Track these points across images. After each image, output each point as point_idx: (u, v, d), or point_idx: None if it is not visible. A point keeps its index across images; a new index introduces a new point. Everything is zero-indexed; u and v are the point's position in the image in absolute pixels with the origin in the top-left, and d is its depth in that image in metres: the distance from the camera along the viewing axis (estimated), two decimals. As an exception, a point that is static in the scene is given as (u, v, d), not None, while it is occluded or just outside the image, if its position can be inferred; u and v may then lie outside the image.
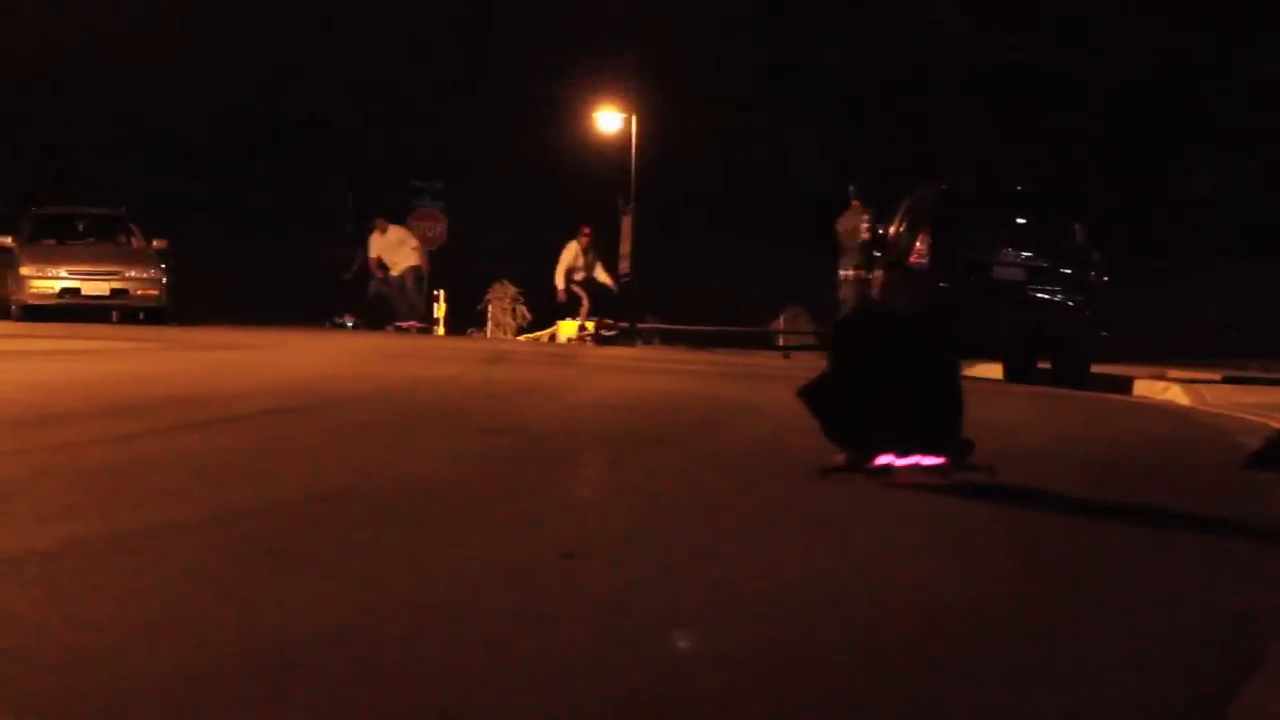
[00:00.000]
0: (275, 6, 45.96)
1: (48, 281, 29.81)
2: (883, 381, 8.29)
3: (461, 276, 36.57)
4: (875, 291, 8.46)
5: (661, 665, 4.62)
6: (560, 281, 33.49)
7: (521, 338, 35.86)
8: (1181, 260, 41.18)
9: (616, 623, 5.05)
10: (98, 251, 31.16)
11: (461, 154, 44.79)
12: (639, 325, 35.65)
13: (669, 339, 36.84)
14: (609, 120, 37.80)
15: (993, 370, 23.70)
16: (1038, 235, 22.39)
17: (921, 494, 7.98)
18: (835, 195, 26.12)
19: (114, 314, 30.58)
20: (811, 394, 8.54)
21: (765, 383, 17.98)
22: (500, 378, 16.50)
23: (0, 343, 20.12)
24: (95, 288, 29.93)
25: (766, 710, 4.20)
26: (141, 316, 30.51)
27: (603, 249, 34.39)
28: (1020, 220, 22.65)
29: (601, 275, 33.91)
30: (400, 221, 34.75)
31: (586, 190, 39.92)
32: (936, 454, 8.18)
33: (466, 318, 37.24)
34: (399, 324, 32.58)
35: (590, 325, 33.25)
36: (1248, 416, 15.64)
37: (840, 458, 8.27)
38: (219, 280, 39.17)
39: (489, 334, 36.59)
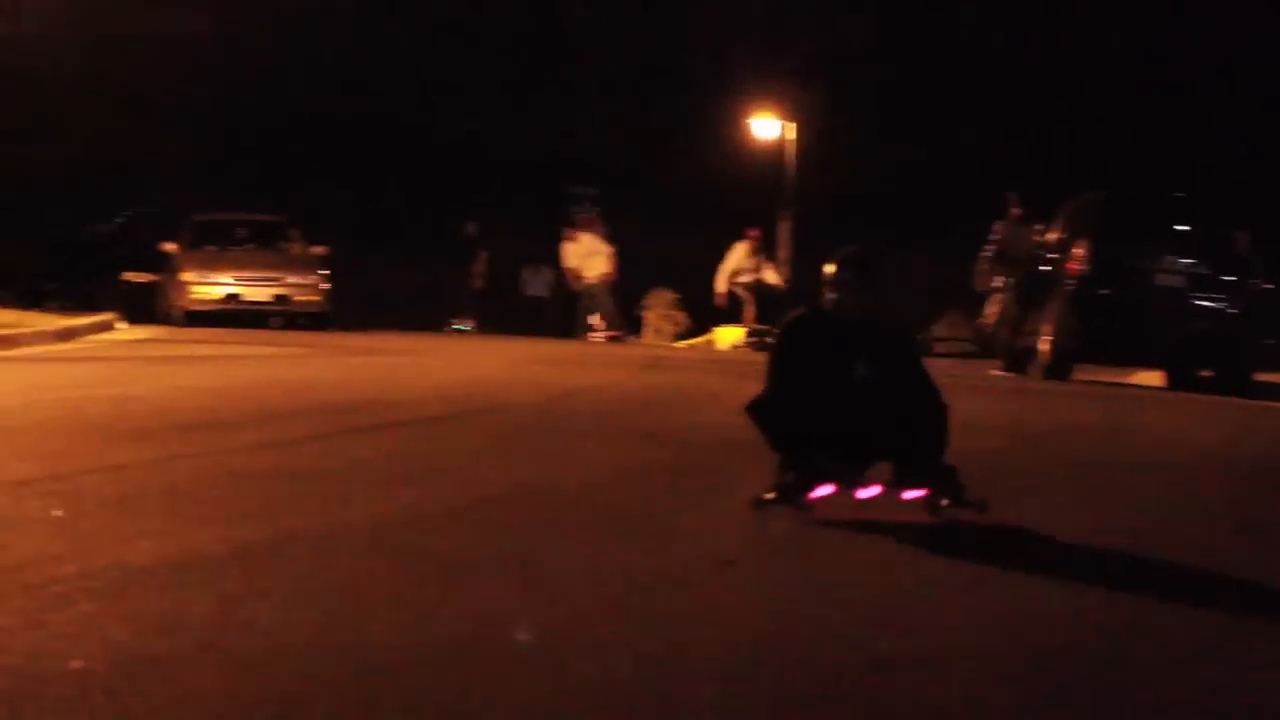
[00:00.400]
0: (427, 16, 46.22)
1: (209, 287, 29.99)
2: (832, 396, 7.13)
3: (619, 283, 36.59)
4: (827, 291, 6.45)
5: (817, 670, 4.60)
6: (721, 285, 32.58)
7: (679, 344, 35.80)
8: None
9: (777, 628, 5.04)
10: (259, 258, 31.32)
11: (616, 160, 44.83)
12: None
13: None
14: (764, 127, 37.69)
15: (1153, 378, 23.41)
16: (1199, 242, 22.15)
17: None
18: (994, 202, 25.91)
19: (275, 320, 30.76)
20: (759, 409, 7.41)
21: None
22: (658, 384, 16.49)
23: (163, 348, 20.37)
24: (256, 294, 30.09)
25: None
26: (302, 323, 30.69)
27: (774, 253, 33.88)
28: (1181, 227, 22.41)
29: (771, 276, 32.99)
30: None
31: (742, 197, 39.83)
32: (914, 484, 7.05)
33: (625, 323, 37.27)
34: (595, 332, 32.49)
35: (724, 332, 32.99)
36: None
37: (786, 482, 7.09)
38: (372, 288, 39.40)
39: (647, 340, 36.58)
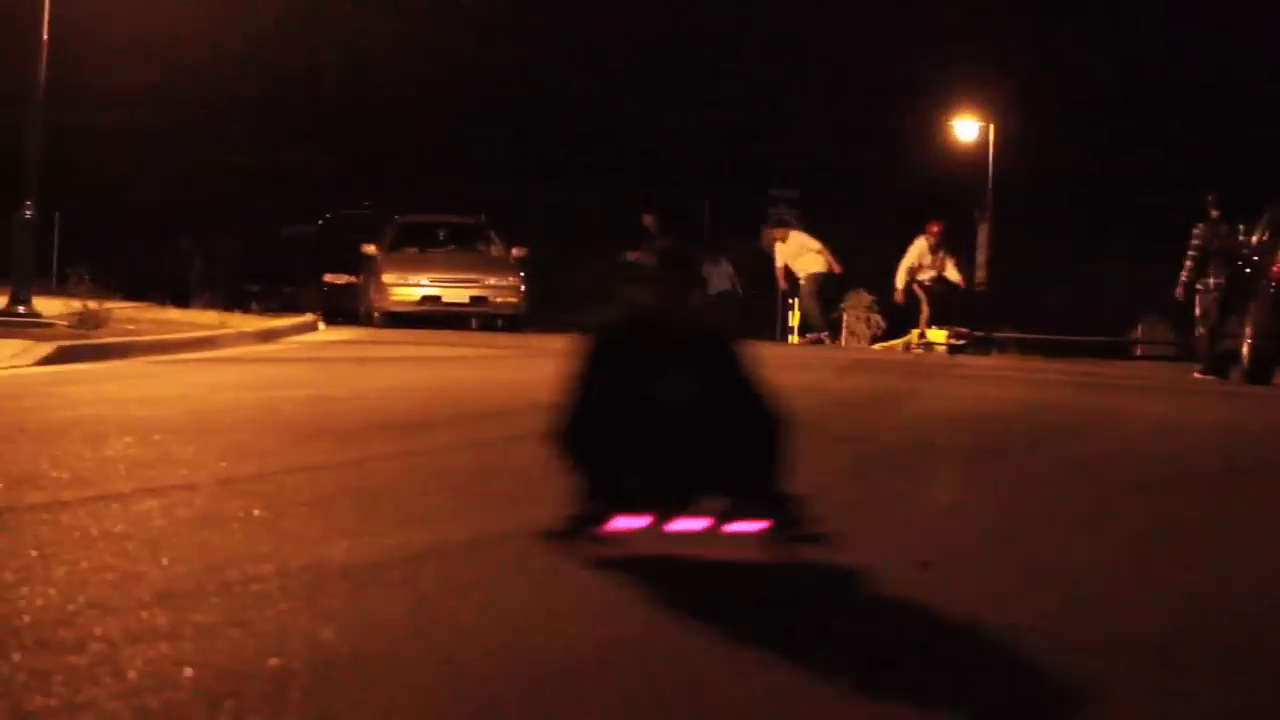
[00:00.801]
0: (635, 18, 46.40)
1: (409, 289, 30.29)
2: (645, 411, 5.89)
3: (826, 288, 36.50)
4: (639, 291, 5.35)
5: (1018, 675, 4.54)
6: (900, 281, 31.80)
7: (876, 346, 35.65)
8: None
9: (975, 632, 4.98)
10: (458, 259, 31.59)
11: (818, 163, 44.75)
12: (994, 334, 35.21)
13: (1025, 348, 36.34)
14: (966, 129, 37.46)
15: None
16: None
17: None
18: (1194, 204, 25.55)
19: (473, 321, 30.98)
20: (561, 431, 6.16)
21: (1121, 393, 17.68)
22: (856, 386, 16.43)
23: (363, 349, 20.60)
24: (455, 295, 30.34)
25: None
26: (500, 324, 30.90)
27: (957, 248, 32.71)
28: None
29: (952, 273, 32.04)
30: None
31: (942, 199, 39.59)
32: (747, 515, 5.87)
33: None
34: (807, 335, 32.35)
35: (933, 333, 32.51)
36: None
37: (581, 512, 5.94)
38: (567, 288, 39.57)
39: (843, 342, 36.42)
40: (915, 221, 32.97)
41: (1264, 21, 44.24)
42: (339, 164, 44.68)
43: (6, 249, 19.47)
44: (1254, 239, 22.03)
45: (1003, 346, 35.48)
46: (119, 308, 21.22)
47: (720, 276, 36.34)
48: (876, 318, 37.36)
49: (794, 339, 32.33)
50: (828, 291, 32.37)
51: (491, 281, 30.84)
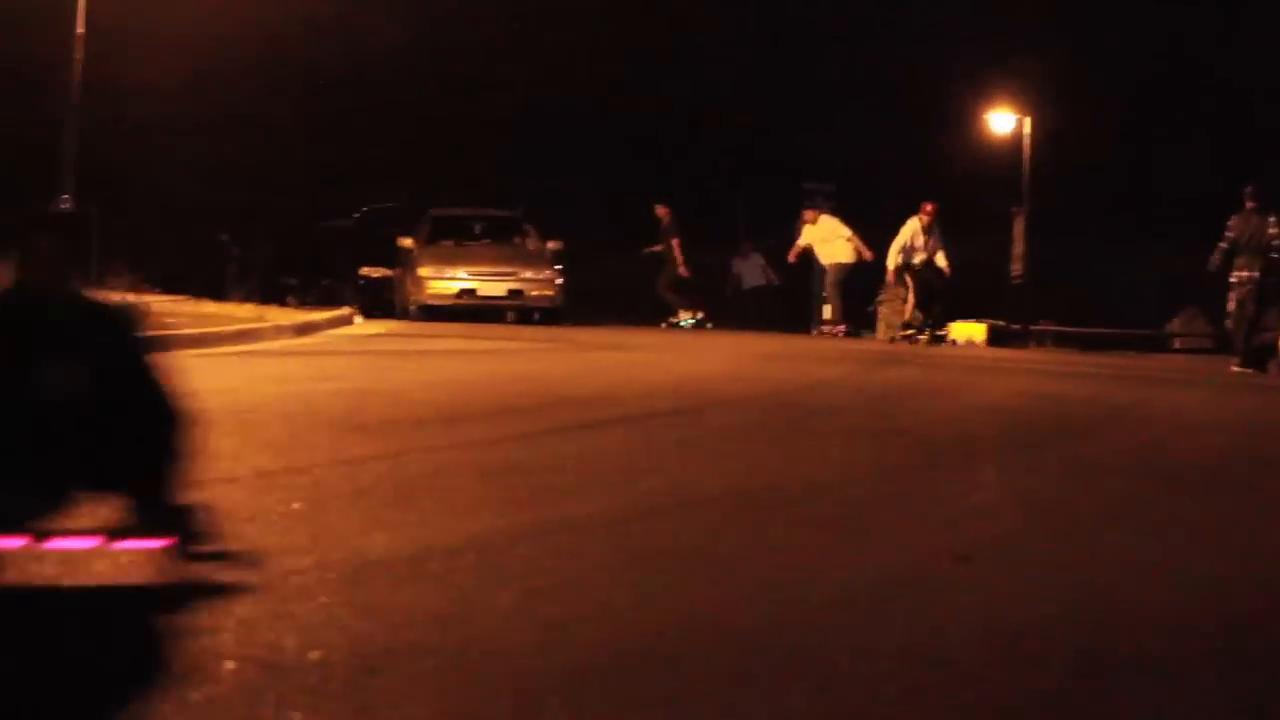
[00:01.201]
0: (671, 10, 46.40)
1: (445, 282, 30.28)
2: (12, 409, 4.73)
3: (851, 278, 36.47)
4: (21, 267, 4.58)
5: (1053, 673, 4.54)
6: (894, 260, 29.93)
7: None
8: None
9: (1012, 628, 4.98)
10: (495, 252, 31.60)
11: (852, 156, 44.69)
12: (1031, 327, 35.10)
13: (1061, 341, 36.25)
14: (1001, 121, 37.35)
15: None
16: None
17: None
18: (1230, 195, 25.47)
19: (509, 314, 31.00)
20: None
21: (1157, 386, 17.64)
22: (890, 379, 16.41)
23: (400, 343, 20.63)
24: (492, 288, 30.34)
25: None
26: (536, 317, 30.91)
27: (949, 233, 30.39)
28: None
29: (940, 260, 30.03)
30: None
31: (976, 191, 39.49)
32: (142, 530, 4.89)
33: (858, 319, 37.07)
34: (823, 327, 32.09)
35: (960, 327, 32.11)
36: None
37: None
38: (604, 281, 39.58)
39: (880, 335, 36.36)
40: (954, 214, 32.72)
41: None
42: (376, 157, 44.72)
43: (45, 243, 19.52)
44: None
45: (1039, 339, 35.40)
46: (157, 301, 21.29)
47: (753, 271, 36.24)
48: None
49: (824, 330, 32.11)
50: (853, 281, 31.70)
51: (528, 275, 30.84)
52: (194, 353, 16.32)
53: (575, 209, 41.00)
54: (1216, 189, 31.45)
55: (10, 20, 35.42)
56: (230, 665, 4.14)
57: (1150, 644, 4.87)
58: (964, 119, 40.21)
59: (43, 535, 4.78)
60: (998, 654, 4.67)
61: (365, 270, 35.97)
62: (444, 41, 45.61)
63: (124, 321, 5.14)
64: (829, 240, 31.05)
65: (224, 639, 4.38)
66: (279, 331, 20.07)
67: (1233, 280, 23.49)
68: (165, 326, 18.08)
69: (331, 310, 26.29)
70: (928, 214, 29.85)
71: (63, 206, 27.03)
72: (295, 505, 6.44)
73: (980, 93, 38.56)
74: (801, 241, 31.38)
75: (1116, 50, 45.61)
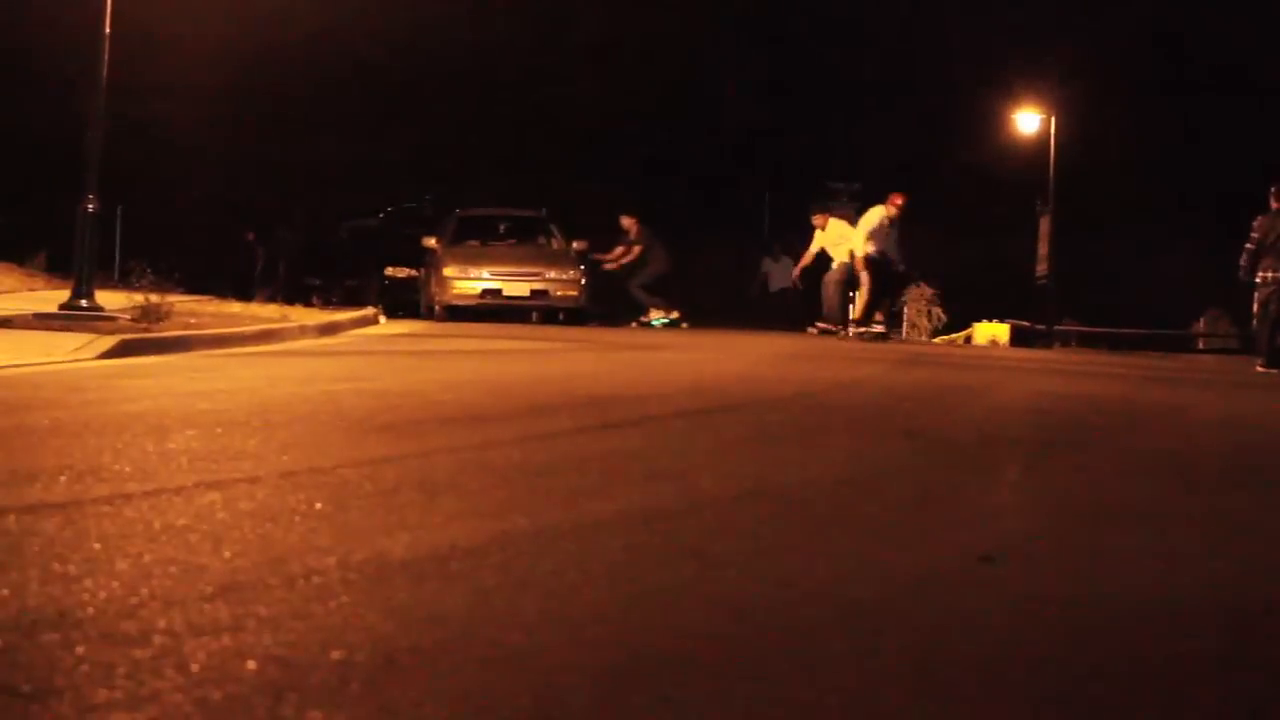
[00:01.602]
0: (699, 7, 46.40)
1: (470, 282, 30.28)
2: None
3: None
4: None
5: (1078, 672, 4.54)
6: (865, 249, 28.18)
7: (937, 340, 35.56)
8: None
9: (1036, 628, 4.98)
10: (519, 253, 31.59)
11: (877, 156, 44.67)
12: (1056, 327, 35.07)
13: (1087, 341, 36.22)
14: (1027, 121, 37.29)
15: None
16: None
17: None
18: (1257, 195, 25.42)
19: (534, 314, 31.02)
20: None
21: (1183, 387, 17.60)
22: (916, 380, 16.38)
23: (424, 343, 20.65)
24: (516, 288, 30.33)
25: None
26: (561, 317, 30.92)
27: (909, 231, 30.29)
28: None
29: (893, 254, 28.62)
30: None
31: (1003, 192, 39.49)
32: None
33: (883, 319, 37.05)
34: (818, 325, 31.89)
35: (984, 328, 31.87)
36: None
37: None
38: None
39: (904, 335, 36.33)
40: (980, 215, 32.63)
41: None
42: (400, 157, 44.78)
43: (70, 242, 19.58)
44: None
45: (1065, 340, 35.37)
46: (181, 301, 21.32)
47: (782, 274, 36.15)
48: (938, 311, 37.25)
49: (852, 330, 31.92)
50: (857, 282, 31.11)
51: (552, 275, 30.83)
52: (218, 353, 16.37)
53: (600, 209, 41.00)
54: (1242, 189, 31.38)
55: (34, 19, 35.55)
56: (252, 664, 4.15)
57: (1167, 644, 4.87)
58: (990, 119, 40.17)
59: None
60: (1020, 654, 4.67)
61: (390, 270, 36.01)
62: (468, 43, 45.65)
63: None
64: (839, 244, 30.59)
65: (246, 638, 4.39)
66: (303, 331, 20.09)
67: (1258, 281, 23.42)
68: (189, 326, 18.13)
69: (355, 310, 26.31)
70: (896, 206, 28.41)
71: None
72: (318, 505, 6.45)
73: (1007, 92, 38.52)
74: (813, 248, 30.78)
75: (1144, 49, 45.53)
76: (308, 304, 29.77)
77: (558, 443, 9.19)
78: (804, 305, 31.57)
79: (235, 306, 24.57)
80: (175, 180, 41.15)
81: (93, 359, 14.61)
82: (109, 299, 19.38)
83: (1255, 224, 23.46)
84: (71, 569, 5.10)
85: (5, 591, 4.80)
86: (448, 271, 30.54)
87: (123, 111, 25.10)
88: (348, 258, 38.25)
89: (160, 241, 30.77)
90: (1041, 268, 35.54)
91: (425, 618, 4.71)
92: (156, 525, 5.91)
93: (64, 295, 19.33)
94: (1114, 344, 34.91)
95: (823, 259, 30.39)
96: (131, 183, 32.20)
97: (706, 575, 5.52)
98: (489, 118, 46.68)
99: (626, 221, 31.87)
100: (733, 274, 38.74)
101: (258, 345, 17.83)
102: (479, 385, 13.29)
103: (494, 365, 16.40)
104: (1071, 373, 19.33)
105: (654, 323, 30.98)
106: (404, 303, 32.40)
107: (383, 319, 26.16)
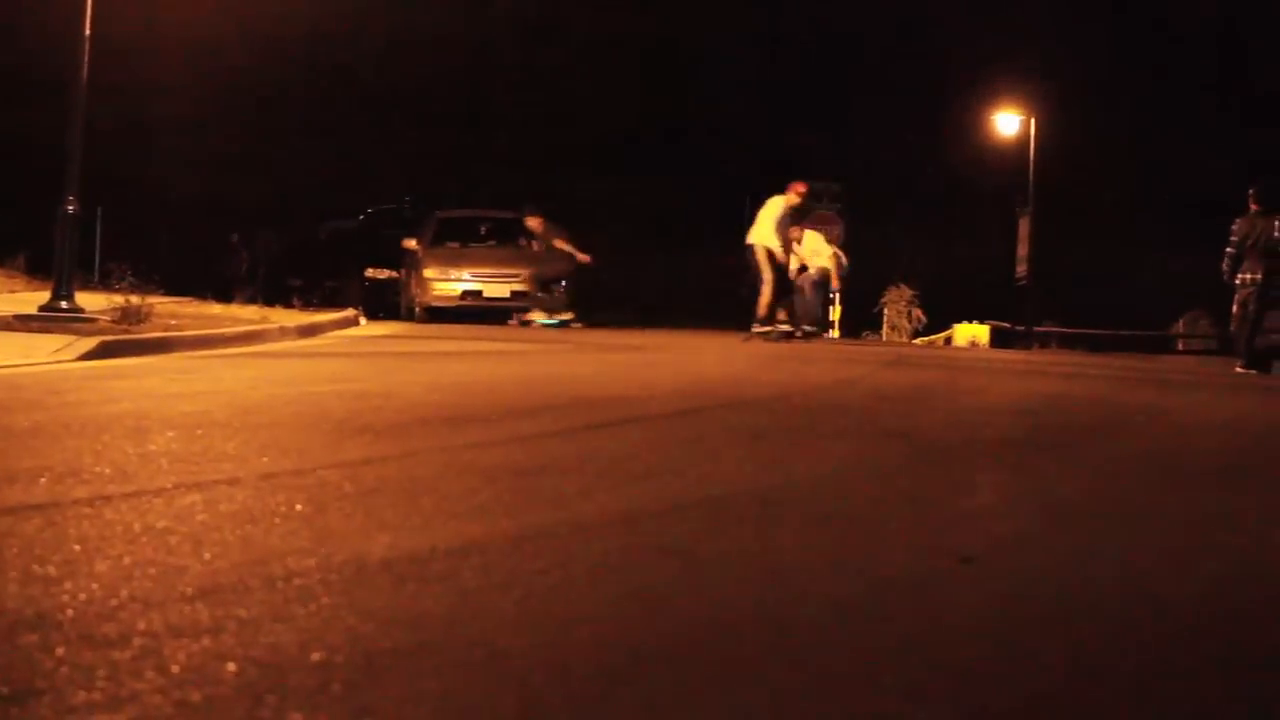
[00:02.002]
0: (682, 13, 46.47)
1: (450, 284, 30.33)
2: None
3: (857, 279, 36.54)
4: None
5: (1056, 672, 4.54)
6: (774, 240, 26.14)
7: (917, 341, 35.63)
8: None
9: (1013, 629, 4.99)
10: (499, 254, 31.62)
11: (858, 157, 44.77)
12: (1036, 328, 35.15)
13: (1066, 342, 36.31)
14: (1006, 123, 37.38)
15: None
16: None
17: None
18: (1235, 197, 25.50)
19: (514, 316, 31.04)
20: None
21: (1164, 388, 17.64)
22: (898, 381, 16.40)
23: (405, 344, 20.64)
24: (496, 290, 30.37)
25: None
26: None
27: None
28: None
29: (792, 251, 27.25)
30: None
31: (983, 193, 39.58)
32: None
33: (863, 320, 37.12)
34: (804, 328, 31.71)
35: (963, 329, 31.87)
36: None
37: None
38: (630, 283, 39.66)
39: (884, 337, 36.39)
40: (961, 216, 32.75)
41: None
42: (381, 158, 44.80)
43: (50, 244, 19.56)
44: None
45: (1044, 341, 35.44)
46: (161, 303, 21.31)
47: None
48: (918, 312, 37.34)
49: (835, 332, 31.93)
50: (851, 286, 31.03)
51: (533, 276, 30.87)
52: (198, 354, 16.35)
53: (581, 210, 41.03)
54: (1222, 191, 31.45)
55: (15, 22, 35.51)
56: (231, 666, 4.14)
57: (1151, 644, 4.87)
58: (970, 120, 40.27)
59: None
60: (1000, 655, 4.68)
61: (370, 272, 36.06)
62: (451, 43, 45.68)
63: None
64: (817, 254, 30.39)
65: (225, 640, 4.39)
66: (283, 333, 20.09)
67: (1237, 283, 23.49)
68: (169, 328, 18.10)
69: (336, 312, 26.33)
70: (799, 194, 26.46)
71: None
72: (298, 506, 6.45)
73: (986, 94, 38.62)
74: (793, 264, 30.41)
75: (1124, 51, 45.65)
76: (288, 305, 29.77)
77: (540, 444, 9.19)
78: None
79: (216, 308, 24.57)
80: (156, 182, 41.15)
81: (73, 360, 14.59)
82: (89, 300, 19.36)
83: (1234, 226, 23.52)
84: (51, 571, 5.09)
85: (-16, 593, 4.80)
86: (428, 273, 30.58)
87: (104, 113, 25.07)
88: (328, 259, 38.29)
89: (141, 243, 30.76)
90: (1021, 269, 35.63)
91: (406, 619, 4.70)
92: (136, 527, 5.90)
93: (44, 296, 19.31)
94: (1094, 345, 35.00)
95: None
96: (112, 184, 32.18)
97: (691, 575, 5.52)
98: (475, 118, 46.70)
99: (532, 222, 31.51)
100: (715, 274, 38.82)
101: (238, 347, 17.83)
102: (460, 386, 13.28)
103: (475, 366, 16.40)
104: (1053, 374, 19.37)
105: (540, 322, 30.10)
106: (385, 304, 32.44)
107: (363, 320, 26.18)
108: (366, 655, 4.29)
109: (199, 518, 6.15)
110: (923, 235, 39.84)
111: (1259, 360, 22.30)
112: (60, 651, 4.22)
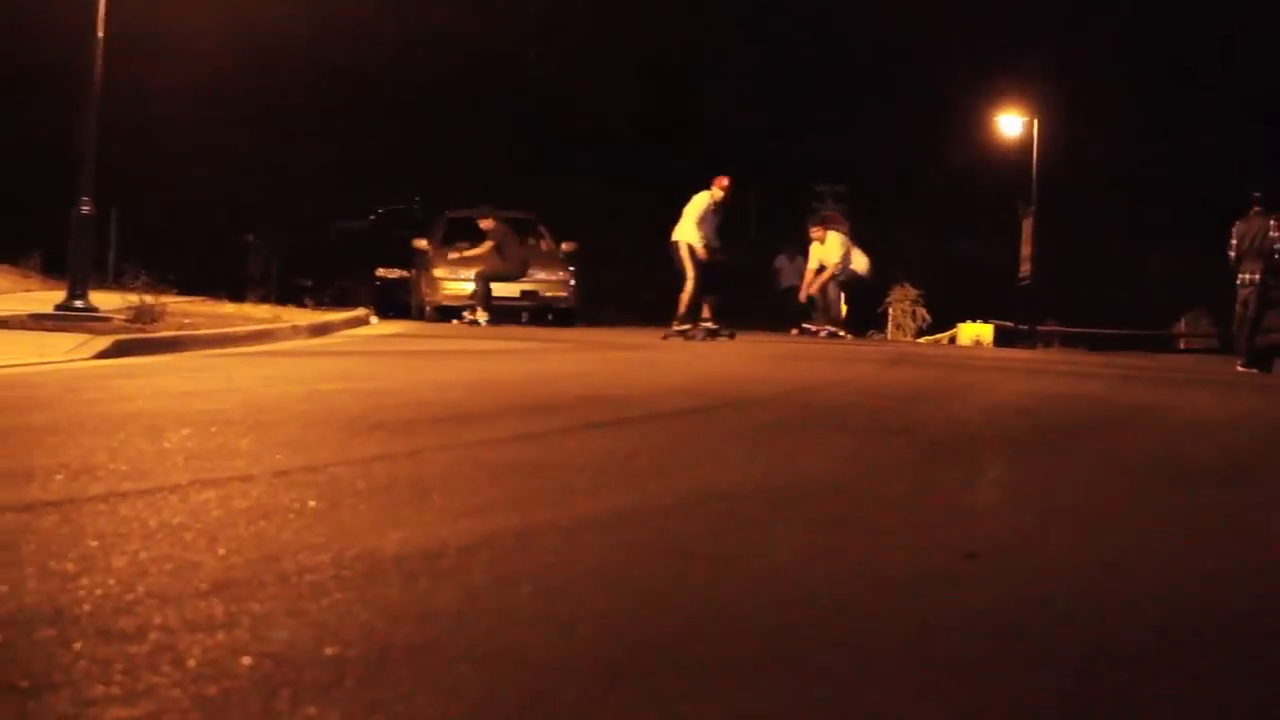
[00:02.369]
0: (686, 12, 46.39)
1: (459, 283, 30.26)
2: None
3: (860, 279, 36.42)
4: None
5: (1059, 670, 4.59)
6: (698, 238, 25.21)
7: (921, 340, 35.59)
8: None
9: (1016, 626, 5.03)
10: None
11: (864, 158, 44.70)
12: (1039, 327, 35.12)
13: (1068, 341, 36.28)
14: (1010, 124, 37.33)
15: None
16: None
17: None
18: (1238, 198, 25.48)
19: (523, 315, 31.02)
20: None
21: (1167, 386, 17.65)
22: (902, 379, 16.42)
23: (415, 343, 20.67)
24: (505, 289, 30.34)
25: None
26: (550, 318, 30.95)
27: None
28: None
29: (715, 241, 25.80)
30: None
31: (987, 193, 39.55)
32: None
33: (867, 320, 37.06)
34: (806, 325, 31.74)
35: (967, 328, 31.66)
36: None
37: None
38: (624, 282, 39.61)
39: (889, 336, 36.36)
40: (965, 215, 32.76)
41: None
42: (392, 158, 44.77)
43: (64, 244, 19.64)
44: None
45: (1047, 340, 35.42)
46: (174, 302, 21.36)
47: (792, 274, 36.15)
48: (922, 311, 37.30)
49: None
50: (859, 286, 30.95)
51: (542, 276, 30.85)
52: (212, 353, 16.40)
53: (589, 210, 41.02)
54: (1224, 191, 31.43)
55: (30, 23, 35.52)
56: (246, 660, 4.19)
57: (1153, 642, 4.92)
58: (974, 121, 40.23)
59: None
60: (1001, 653, 4.71)
61: (381, 271, 36.06)
62: (460, 43, 45.62)
63: None
64: (832, 255, 30.24)
65: (240, 634, 4.44)
66: (295, 332, 20.13)
67: (1238, 283, 23.54)
68: (183, 327, 18.17)
69: (347, 311, 26.34)
70: (723, 189, 25.50)
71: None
72: (311, 503, 6.50)
73: (990, 96, 38.58)
74: (812, 264, 30.33)
75: (1127, 52, 45.56)
76: (300, 305, 29.77)
77: (548, 442, 9.23)
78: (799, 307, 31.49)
79: (228, 307, 24.61)
80: (169, 182, 41.14)
81: (88, 359, 14.66)
82: (103, 300, 19.42)
83: (1234, 229, 23.58)
84: (68, 566, 5.14)
85: (3, 589, 4.85)
86: (438, 273, 30.57)
87: (118, 114, 25.13)
88: (339, 259, 38.29)
89: (154, 243, 30.78)
90: (1024, 269, 35.61)
91: (417, 615, 4.75)
92: (152, 523, 5.95)
93: (59, 296, 19.39)
94: (1096, 344, 34.97)
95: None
96: (126, 185, 32.21)
97: (697, 573, 5.56)
98: (481, 119, 46.64)
99: (485, 224, 31.05)
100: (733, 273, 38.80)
101: (251, 345, 17.87)
102: (470, 385, 13.31)
103: (485, 365, 16.42)
104: (1056, 373, 19.38)
105: (479, 320, 29.17)
106: (395, 303, 32.44)
107: (374, 319, 26.19)
108: (379, 650, 4.34)
109: (214, 514, 6.20)
110: (926, 235, 39.83)
111: (1259, 359, 22.34)
112: (78, 646, 4.27)
